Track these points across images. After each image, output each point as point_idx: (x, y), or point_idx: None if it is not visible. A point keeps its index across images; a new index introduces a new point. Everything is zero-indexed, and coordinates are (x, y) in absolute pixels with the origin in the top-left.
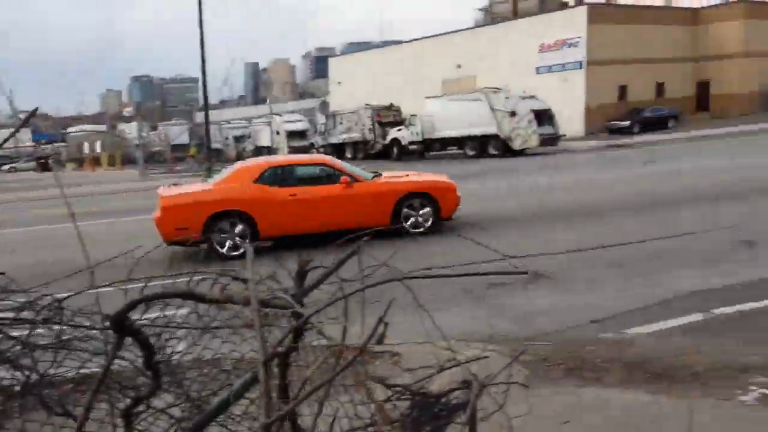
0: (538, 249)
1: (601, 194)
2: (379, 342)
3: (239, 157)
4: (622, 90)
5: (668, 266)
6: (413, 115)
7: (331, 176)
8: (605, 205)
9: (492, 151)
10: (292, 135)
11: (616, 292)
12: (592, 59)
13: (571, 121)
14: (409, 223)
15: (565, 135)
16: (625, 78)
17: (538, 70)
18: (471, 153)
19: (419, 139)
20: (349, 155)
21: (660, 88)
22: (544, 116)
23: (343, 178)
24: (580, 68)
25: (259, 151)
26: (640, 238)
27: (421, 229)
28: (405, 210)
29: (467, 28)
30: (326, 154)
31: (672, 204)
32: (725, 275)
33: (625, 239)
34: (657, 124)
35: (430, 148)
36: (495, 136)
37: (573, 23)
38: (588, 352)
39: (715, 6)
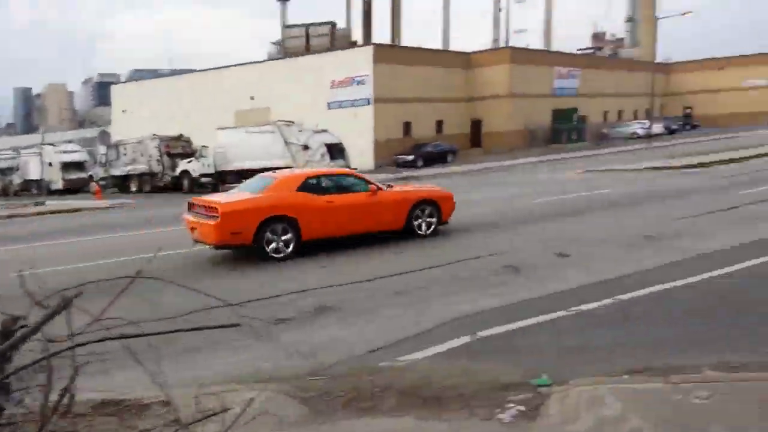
0: (329, 281)
1: None
2: (66, 412)
3: (5, 191)
4: (407, 126)
5: (443, 292)
6: (204, 147)
7: (358, 185)
8: (389, 233)
9: None
10: (67, 166)
11: (395, 320)
12: (378, 97)
13: (362, 155)
14: (416, 224)
15: (356, 168)
16: (409, 115)
17: (329, 105)
18: None
19: (211, 171)
20: (134, 188)
21: (440, 125)
22: (335, 150)
23: (371, 186)
24: (369, 105)
25: (28, 184)
26: (419, 267)
27: (422, 232)
28: (417, 213)
29: (261, 61)
30: (108, 187)
31: (451, 232)
32: (491, 298)
33: (406, 268)
34: (438, 158)
35: (224, 180)
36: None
37: (361, 62)
38: (366, 382)
39: (485, 51)
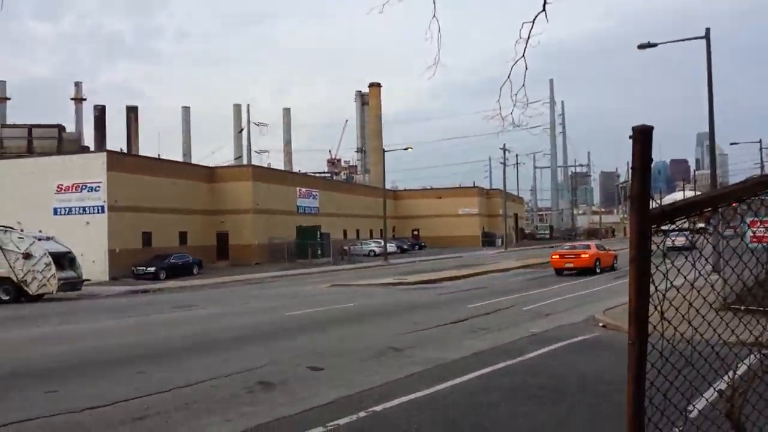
0: (39, 410)
1: (120, 341)
2: None
3: None
4: (147, 236)
5: (194, 415)
6: None
7: (604, 246)
8: (121, 353)
9: (2, 296)
10: None
11: None
12: (113, 205)
13: (95, 265)
14: (615, 266)
15: (89, 279)
16: (149, 225)
17: (56, 211)
18: None
19: None
20: None
21: (183, 236)
22: (64, 259)
23: (606, 248)
24: (103, 212)
25: None
26: (164, 388)
27: (615, 270)
28: (614, 261)
29: None
30: None
31: (196, 349)
32: (245, 419)
33: (150, 390)
34: (183, 270)
35: None
36: (7, 279)
37: (93, 168)
38: None
39: (228, 167)
